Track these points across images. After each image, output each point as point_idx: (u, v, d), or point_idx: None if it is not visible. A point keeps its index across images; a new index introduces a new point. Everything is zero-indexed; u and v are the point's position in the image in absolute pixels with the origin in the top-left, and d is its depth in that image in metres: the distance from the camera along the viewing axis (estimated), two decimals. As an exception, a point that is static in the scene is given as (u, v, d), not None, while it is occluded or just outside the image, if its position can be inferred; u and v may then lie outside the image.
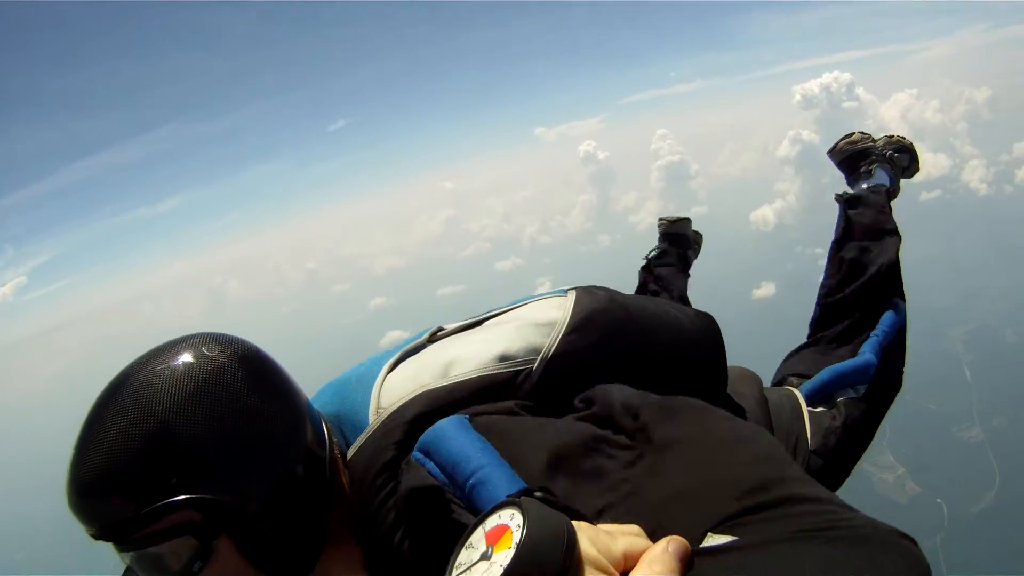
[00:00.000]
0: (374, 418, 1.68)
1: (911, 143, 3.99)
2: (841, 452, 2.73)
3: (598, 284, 2.12)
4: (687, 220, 4.45)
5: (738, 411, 2.34)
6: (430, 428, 1.52)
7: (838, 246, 3.53)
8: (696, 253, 4.49)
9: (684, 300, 4.14)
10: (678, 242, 4.37)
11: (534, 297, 2.08)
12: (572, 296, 1.97)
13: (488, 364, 1.77)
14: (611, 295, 2.04)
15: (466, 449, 1.42)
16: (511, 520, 0.94)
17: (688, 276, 4.37)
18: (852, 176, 3.89)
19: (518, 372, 1.79)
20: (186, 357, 1.48)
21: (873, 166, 3.80)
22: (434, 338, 2.01)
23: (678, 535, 1.02)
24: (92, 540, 1.43)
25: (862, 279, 3.34)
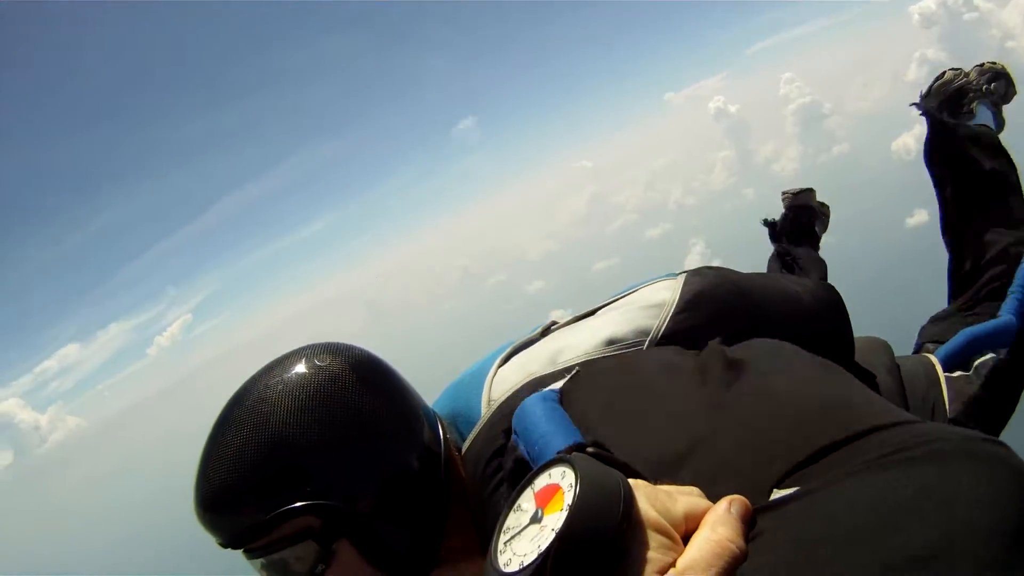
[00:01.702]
0: (485, 410, 1.68)
1: (1004, 67, 3.63)
2: (982, 419, 2.57)
3: (715, 264, 2.12)
4: (811, 190, 4.05)
5: (868, 380, 2.19)
6: (517, 408, 1.48)
7: (960, 208, 3.33)
8: (824, 226, 4.07)
9: (822, 275, 3.81)
10: (803, 214, 4.02)
11: (645, 282, 2.04)
12: (682, 278, 1.94)
13: (596, 349, 1.75)
14: (721, 273, 2.00)
15: (538, 421, 1.39)
16: (562, 479, 0.88)
17: (817, 246, 4.03)
18: (955, 117, 3.47)
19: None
20: (299, 368, 1.54)
21: (974, 104, 3.49)
22: (547, 332, 1.98)
23: (742, 491, 0.95)
24: (221, 548, 1.52)
25: (991, 252, 3.14)
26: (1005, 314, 2.93)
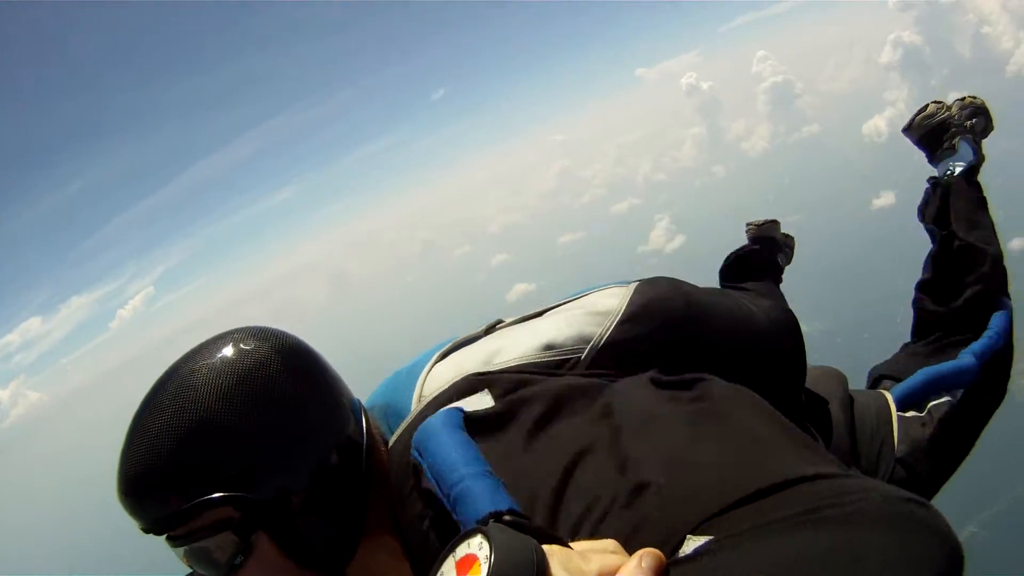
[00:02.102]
0: (415, 405, 1.67)
1: (983, 102, 3.59)
2: (930, 463, 2.57)
3: (667, 275, 2.04)
4: (775, 222, 3.95)
5: (817, 408, 2.38)
6: (421, 425, 1.44)
7: (940, 246, 3.24)
8: (788, 259, 3.93)
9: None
10: (767, 246, 3.88)
11: (597, 287, 2.01)
12: (633, 286, 1.91)
13: (533, 352, 1.73)
14: (675, 285, 1.96)
15: (450, 456, 1.32)
16: (479, 550, 0.90)
17: (779, 279, 3.82)
18: (934, 153, 3.53)
19: (564, 361, 1.74)
20: (224, 353, 1.52)
21: (956, 140, 3.45)
22: (491, 329, 1.97)
23: (657, 541, 0.96)
24: (144, 533, 1.49)
25: (965, 294, 3.05)
26: (968, 356, 2.88)
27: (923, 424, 2.66)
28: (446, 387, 1.65)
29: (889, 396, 2.78)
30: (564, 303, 1.99)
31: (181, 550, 1.48)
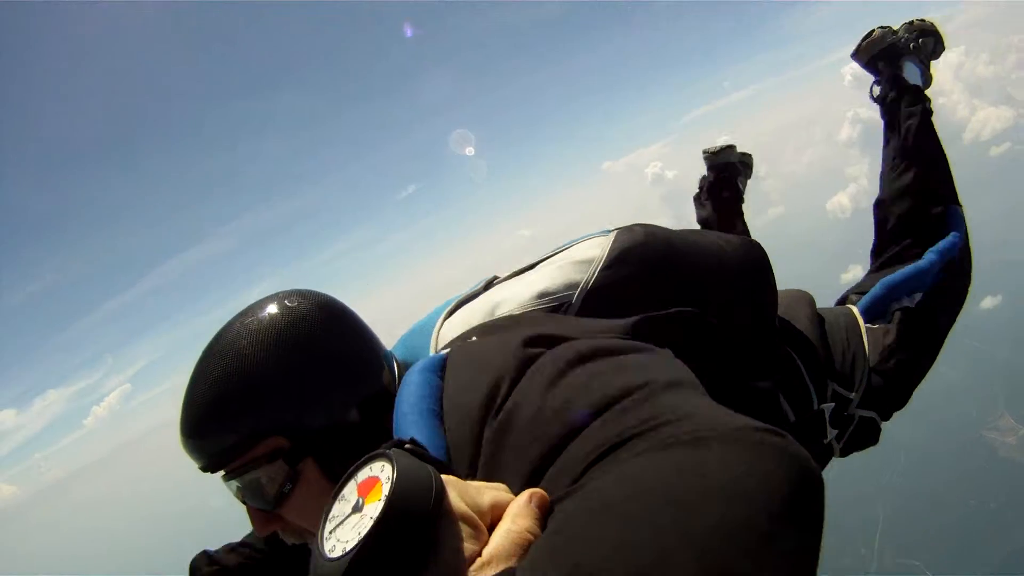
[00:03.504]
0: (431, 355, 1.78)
1: (932, 23, 3.69)
2: (901, 366, 2.73)
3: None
4: (731, 147, 4.30)
5: (790, 332, 2.51)
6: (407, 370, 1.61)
7: (893, 157, 3.41)
8: (748, 175, 4.36)
9: (744, 231, 4.16)
10: (726, 170, 4.25)
11: (580, 239, 2.16)
12: (613, 235, 2.07)
13: (529, 301, 1.92)
14: (650, 230, 2.11)
15: (404, 391, 1.52)
16: (381, 472, 0.95)
17: (741, 201, 4.28)
18: (880, 75, 3.65)
19: (558, 306, 1.92)
20: (271, 309, 1.73)
21: (903, 61, 3.59)
22: (489, 286, 2.15)
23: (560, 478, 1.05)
24: (201, 473, 1.72)
25: (915, 202, 3.24)
26: (927, 256, 3.06)
27: (887, 331, 2.82)
28: (456, 337, 1.85)
29: (855, 309, 2.95)
30: (552, 255, 2.15)
31: (235, 484, 1.68)
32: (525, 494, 0.99)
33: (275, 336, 1.68)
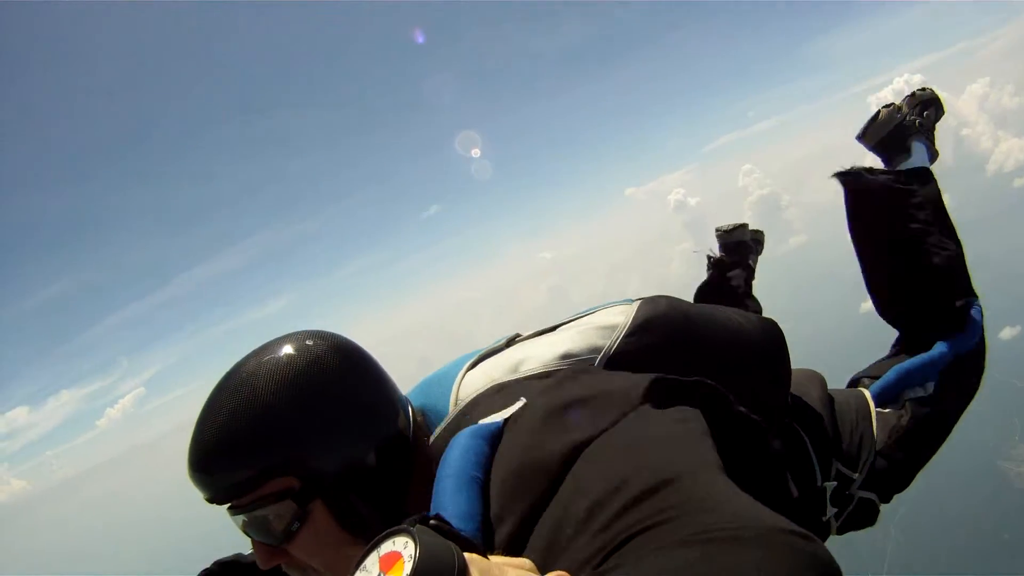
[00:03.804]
0: (452, 408, 1.90)
1: (932, 90, 3.65)
2: (907, 452, 2.77)
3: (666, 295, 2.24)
4: (744, 226, 4.32)
5: (800, 409, 2.56)
6: (456, 434, 1.63)
7: (891, 247, 3.32)
8: (759, 252, 4.39)
9: (756, 308, 4.20)
10: (738, 251, 4.29)
11: (603, 306, 2.23)
12: (636, 304, 2.13)
13: (552, 361, 1.94)
14: (672, 302, 2.17)
15: (449, 456, 1.54)
16: (404, 549, 0.95)
17: (752, 278, 4.32)
18: (889, 158, 3.56)
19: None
20: (288, 349, 1.73)
21: (910, 142, 3.49)
22: (511, 343, 2.18)
23: (568, 562, 1.10)
24: (208, 504, 1.71)
25: (929, 288, 3.20)
26: (937, 348, 3.05)
27: (899, 416, 2.84)
28: (481, 391, 1.88)
29: (867, 393, 2.96)
30: (575, 319, 2.20)
31: (241, 518, 1.69)
32: None
33: (291, 376, 1.69)
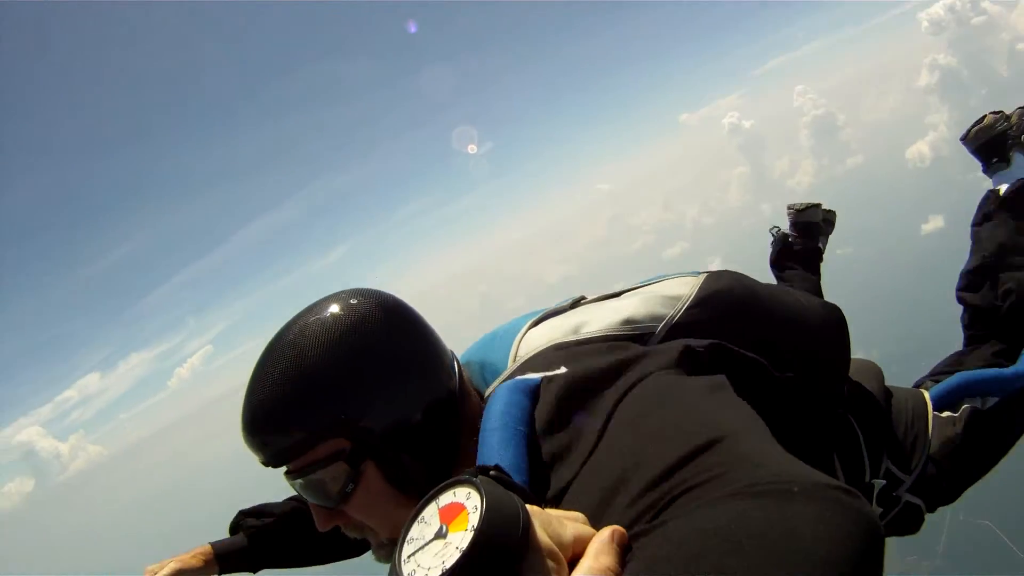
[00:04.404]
0: (510, 364, 1.92)
1: None
2: (959, 463, 2.69)
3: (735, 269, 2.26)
4: (817, 206, 4.13)
5: (860, 398, 2.55)
6: (497, 387, 1.65)
7: (992, 257, 3.31)
8: (829, 232, 4.22)
9: (817, 293, 3.90)
10: (808, 232, 4.09)
11: (670, 275, 2.23)
12: (702, 277, 2.13)
13: (614, 327, 1.96)
14: (737, 277, 2.18)
15: (492, 408, 1.57)
16: (467, 500, 0.94)
17: (820, 260, 4.12)
18: (988, 164, 3.53)
19: (641, 335, 1.96)
20: (334, 308, 1.74)
21: (1012, 152, 3.45)
22: (576, 305, 2.18)
23: (620, 517, 1.10)
24: (263, 466, 1.73)
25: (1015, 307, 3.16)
26: (1018, 365, 2.95)
27: (954, 423, 2.74)
28: (540, 350, 1.91)
29: (927, 394, 2.86)
30: (640, 286, 2.20)
31: (298, 482, 1.70)
32: (607, 531, 0.99)
33: (337, 337, 1.69)
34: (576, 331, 1.97)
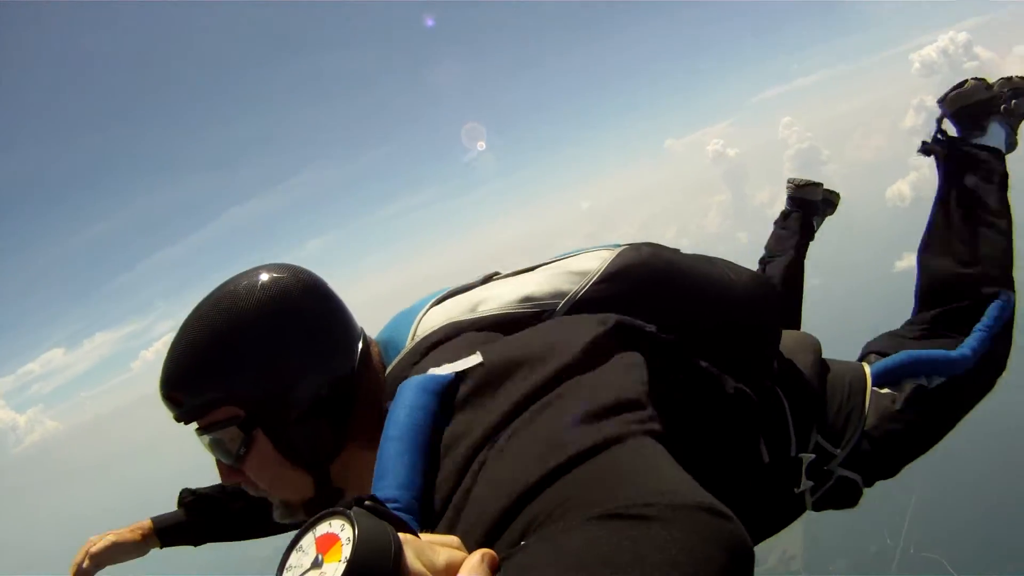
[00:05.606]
0: (408, 343, 1.91)
1: None
2: (894, 442, 2.65)
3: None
4: (818, 185, 4.09)
5: (786, 374, 2.44)
6: (407, 379, 1.59)
7: (946, 214, 3.21)
8: (830, 212, 4.25)
9: (797, 264, 4.01)
10: (804, 207, 4.08)
11: (586, 249, 2.13)
12: (618, 250, 2.04)
13: (512, 304, 1.93)
14: (656, 251, 2.08)
15: (395, 415, 1.48)
16: (341, 531, 0.96)
17: (810, 240, 4.10)
18: (964, 131, 3.37)
19: (539, 313, 1.92)
20: (253, 280, 1.79)
21: (988, 120, 3.33)
22: (487, 280, 2.12)
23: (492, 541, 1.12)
24: (176, 423, 1.80)
25: (970, 270, 3.03)
26: (964, 348, 2.86)
27: (893, 399, 2.70)
28: (436, 328, 1.90)
29: (868, 368, 2.81)
30: (553, 261, 2.11)
31: (204, 438, 1.78)
32: (477, 555, 1.01)
33: (250, 308, 1.75)
34: (474, 309, 1.95)
